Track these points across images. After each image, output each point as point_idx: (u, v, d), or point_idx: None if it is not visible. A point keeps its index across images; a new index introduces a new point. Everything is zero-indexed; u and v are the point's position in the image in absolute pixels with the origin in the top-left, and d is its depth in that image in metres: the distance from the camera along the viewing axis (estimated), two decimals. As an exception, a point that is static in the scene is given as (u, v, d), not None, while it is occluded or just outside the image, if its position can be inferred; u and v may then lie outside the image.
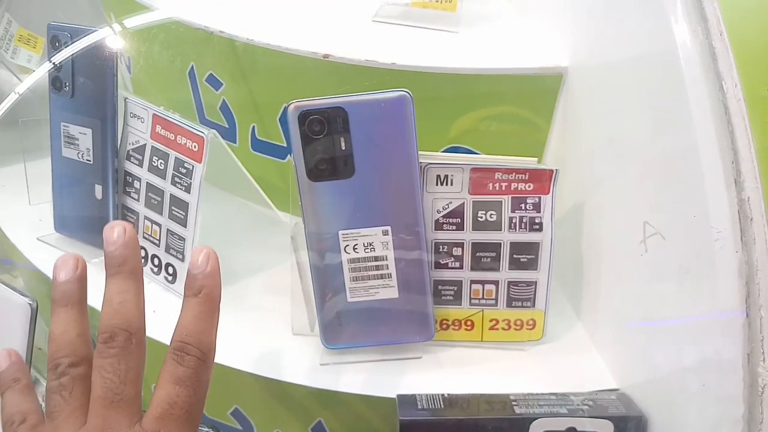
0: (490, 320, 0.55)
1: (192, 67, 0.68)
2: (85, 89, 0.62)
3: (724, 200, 0.39)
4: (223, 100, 0.67)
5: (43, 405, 0.38)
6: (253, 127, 0.67)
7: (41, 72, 0.66)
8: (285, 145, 0.66)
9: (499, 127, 0.60)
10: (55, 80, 0.63)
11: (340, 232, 0.51)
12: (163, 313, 0.59)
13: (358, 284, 0.52)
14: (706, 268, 0.40)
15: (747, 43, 0.39)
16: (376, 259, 0.52)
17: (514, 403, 0.50)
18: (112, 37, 0.62)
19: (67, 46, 0.62)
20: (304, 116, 0.49)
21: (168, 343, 0.56)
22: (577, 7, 0.57)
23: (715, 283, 0.40)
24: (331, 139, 0.49)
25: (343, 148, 0.50)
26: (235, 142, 0.69)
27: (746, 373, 0.39)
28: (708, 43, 0.40)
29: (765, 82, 0.39)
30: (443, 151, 0.61)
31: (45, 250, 0.66)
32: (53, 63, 0.62)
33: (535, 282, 0.53)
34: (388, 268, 0.52)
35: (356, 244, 0.51)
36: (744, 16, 0.40)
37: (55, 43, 0.63)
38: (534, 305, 0.54)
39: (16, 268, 0.75)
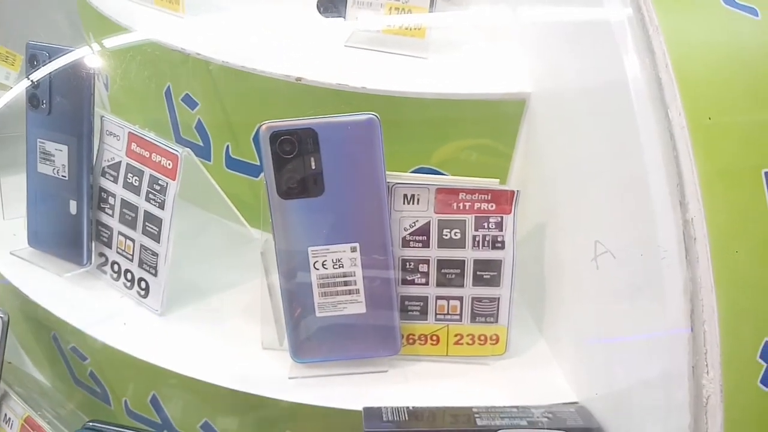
0: (455, 335, 0.56)
1: (168, 87, 0.70)
2: (62, 107, 0.63)
3: (670, 221, 0.41)
4: (199, 119, 0.69)
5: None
6: (228, 146, 0.69)
7: (19, 89, 0.67)
8: (258, 163, 0.68)
9: (465, 150, 0.62)
10: (33, 98, 0.64)
11: (310, 249, 0.53)
12: (134, 327, 0.60)
13: (327, 300, 0.54)
14: (654, 285, 0.43)
15: (690, 74, 0.42)
16: (345, 275, 0.53)
17: (476, 415, 0.52)
18: (89, 57, 0.64)
19: (45, 64, 0.64)
20: (276, 136, 0.51)
21: (139, 356, 0.57)
22: (540, 36, 0.60)
23: (663, 301, 0.42)
24: (302, 159, 0.51)
25: (313, 167, 0.51)
26: (209, 160, 0.70)
27: (691, 384, 0.41)
28: (655, 74, 0.43)
29: (707, 111, 0.41)
30: (411, 172, 0.63)
31: (18, 265, 0.66)
32: (31, 81, 0.63)
33: (498, 298, 0.55)
34: (356, 284, 0.53)
35: (325, 261, 0.53)
36: (687, 50, 0.43)
37: (33, 62, 0.64)
38: (497, 321, 0.56)
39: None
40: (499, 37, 0.68)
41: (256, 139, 0.66)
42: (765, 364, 0.40)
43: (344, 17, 0.67)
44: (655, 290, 0.43)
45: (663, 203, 0.41)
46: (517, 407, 0.53)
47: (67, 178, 0.63)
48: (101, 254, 0.64)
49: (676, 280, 0.41)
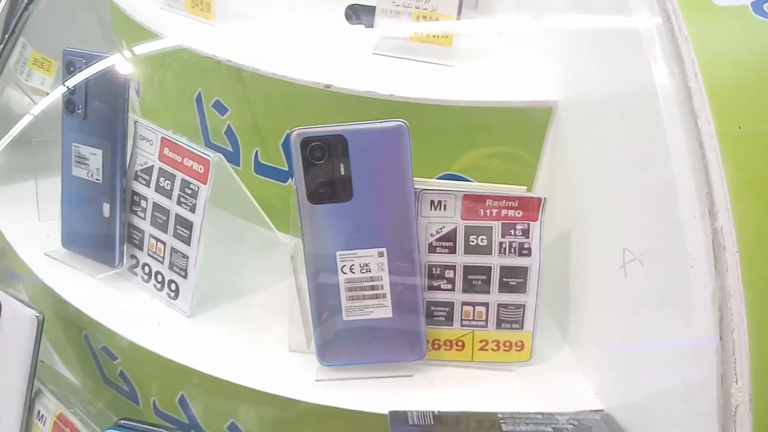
0: (480, 341, 0.57)
1: (199, 93, 0.71)
2: (97, 112, 0.65)
3: (699, 230, 0.41)
4: (228, 125, 0.70)
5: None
6: (257, 151, 0.70)
7: (56, 95, 0.69)
8: (286, 169, 0.69)
9: (492, 157, 0.62)
10: (69, 103, 0.66)
11: (338, 253, 0.54)
12: (164, 328, 0.61)
13: (354, 303, 0.54)
14: (682, 294, 0.43)
15: (719, 83, 0.42)
16: (372, 279, 0.54)
17: (501, 421, 0.52)
18: (124, 63, 0.66)
19: (81, 70, 0.65)
20: (306, 142, 0.52)
21: (169, 356, 0.58)
22: (567, 44, 0.61)
23: (690, 309, 0.42)
24: (331, 165, 0.52)
25: (342, 173, 0.52)
26: (238, 165, 0.71)
27: (720, 393, 0.41)
28: (684, 83, 0.43)
29: (736, 120, 0.41)
30: (437, 179, 0.64)
31: (52, 265, 0.68)
32: (67, 87, 0.65)
33: (524, 305, 0.56)
34: (382, 289, 0.54)
35: (353, 265, 0.54)
36: (716, 59, 0.43)
37: (70, 68, 0.66)
38: (522, 327, 0.56)
39: (22, 282, 0.77)
40: (525, 45, 0.68)
41: (285, 145, 0.67)
42: (795, 374, 0.40)
43: (372, 25, 0.68)
44: (683, 299, 0.43)
45: (692, 212, 0.42)
46: (542, 414, 0.53)
47: (100, 182, 0.65)
48: (133, 256, 0.66)
49: (704, 289, 0.41)
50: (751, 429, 0.40)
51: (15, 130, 0.77)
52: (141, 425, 0.55)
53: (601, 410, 0.54)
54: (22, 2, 0.74)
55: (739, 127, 0.41)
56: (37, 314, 0.60)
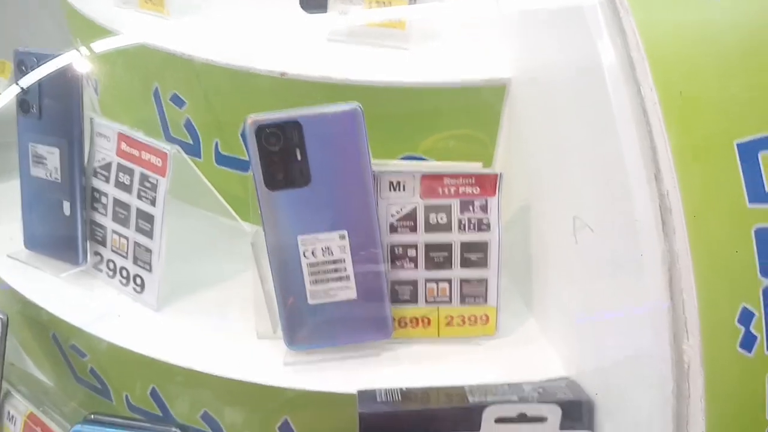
0: (446, 317, 0.58)
1: (156, 87, 0.71)
2: (52, 111, 0.64)
3: (646, 194, 0.42)
4: (187, 117, 0.70)
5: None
6: (216, 142, 0.70)
7: (9, 96, 0.68)
8: (247, 158, 0.69)
9: (450, 136, 0.63)
10: (23, 103, 0.65)
11: (299, 238, 0.54)
12: (131, 322, 0.61)
13: (318, 287, 0.55)
14: (633, 258, 0.44)
15: (660, 52, 0.43)
16: (335, 262, 0.55)
17: (469, 393, 0.53)
18: (77, 61, 0.65)
19: (33, 70, 0.65)
20: (261, 129, 0.52)
21: (138, 350, 0.58)
22: (520, 23, 0.61)
23: (642, 272, 0.43)
24: (288, 151, 0.52)
25: (299, 158, 0.53)
26: (199, 157, 0.71)
27: (673, 352, 0.42)
28: (626, 54, 0.44)
29: (677, 86, 0.43)
30: (398, 159, 0.64)
31: (15, 267, 0.67)
32: (21, 87, 0.64)
33: (486, 279, 0.57)
34: (346, 271, 0.55)
35: (314, 249, 0.54)
36: (657, 29, 0.44)
37: (21, 68, 0.65)
38: (486, 301, 0.57)
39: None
40: (479, 25, 0.69)
41: (243, 134, 0.67)
42: (743, 329, 0.41)
43: (326, 11, 0.69)
44: (634, 263, 0.44)
45: (638, 177, 0.43)
46: (508, 384, 0.54)
47: (59, 180, 0.65)
48: (96, 253, 0.66)
49: (654, 252, 0.42)
50: (704, 384, 0.41)
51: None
52: (110, 418, 0.55)
53: (567, 377, 0.55)
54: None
55: (681, 93, 0.42)
56: (1, 316, 0.59)
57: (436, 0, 0.76)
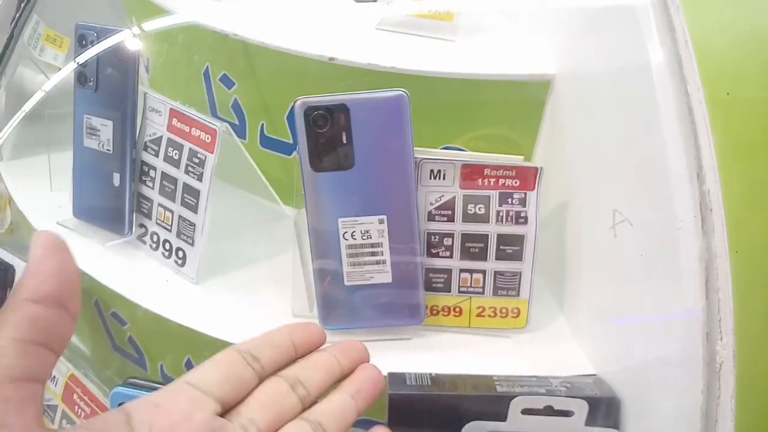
0: (478, 307, 0.58)
1: (207, 67, 0.73)
2: (108, 84, 0.66)
3: (687, 192, 0.43)
4: (235, 98, 0.72)
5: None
6: (262, 124, 0.71)
7: (68, 69, 0.70)
8: (291, 142, 0.70)
9: (492, 129, 0.64)
10: (81, 75, 0.68)
11: (340, 220, 0.55)
12: (171, 293, 0.63)
13: (355, 269, 0.56)
14: (670, 255, 0.44)
15: (709, 51, 0.43)
16: (372, 246, 0.56)
17: (497, 383, 0.53)
18: (134, 37, 0.67)
19: (93, 44, 0.67)
20: (310, 111, 0.53)
21: (176, 320, 0.60)
22: (566, 20, 0.62)
23: (678, 270, 0.44)
24: (334, 133, 0.54)
25: (344, 141, 0.54)
26: (245, 139, 0.73)
27: (705, 351, 0.42)
28: (675, 52, 0.44)
29: (724, 86, 0.43)
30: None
31: (63, 234, 0.70)
32: (77, 63, 0.67)
33: (520, 273, 0.57)
34: (382, 255, 0.56)
35: (354, 231, 0.55)
36: (707, 28, 0.44)
37: (82, 41, 0.67)
38: (519, 294, 0.58)
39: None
40: (526, 21, 0.69)
41: (290, 117, 0.69)
42: (777, 331, 0.41)
43: (375, 1, 0.70)
44: (672, 260, 0.44)
45: (680, 175, 0.43)
46: (536, 377, 0.54)
47: (111, 152, 0.67)
48: (141, 225, 0.68)
49: (691, 250, 0.42)
50: (735, 385, 0.41)
51: (28, 106, 0.79)
52: (148, 383, 0.57)
53: (594, 375, 0.55)
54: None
55: (728, 94, 0.43)
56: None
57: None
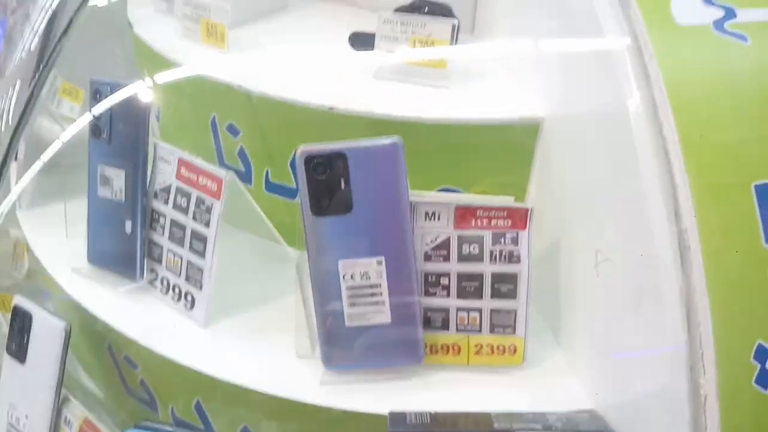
0: (475, 345, 0.60)
1: (214, 116, 0.76)
2: (121, 136, 0.70)
3: (666, 231, 0.45)
4: (241, 146, 0.75)
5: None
6: (267, 170, 0.74)
7: (83, 121, 0.74)
8: (295, 187, 0.73)
9: (485, 171, 0.66)
10: (95, 128, 0.71)
11: (340, 262, 0.58)
12: (180, 337, 0.65)
13: (355, 310, 0.58)
14: (653, 293, 0.46)
15: (682, 95, 0.45)
16: (371, 286, 0.58)
17: (495, 420, 0.55)
18: (145, 91, 0.71)
19: (107, 97, 0.71)
20: (310, 159, 0.56)
21: (185, 363, 0.62)
22: (552, 65, 0.64)
23: (661, 306, 0.45)
24: (333, 179, 0.56)
25: (343, 187, 0.56)
26: (251, 184, 0.76)
27: (689, 385, 0.44)
28: (650, 96, 0.47)
29: (698, 129, 0.45)
30: (434, 192, 0.67)
31: (78, 281, 0.73)
32: (93, 114, 0.71)
33: (515, 310, 0.59)
34: (381, 295, 0.58)
35: (353, 273, 0.58)
36: (679, 73, 0.46)
37: (96, 95, 0.71)
38: (515, 332, 0.59)
39: (50, 297, 0.81)
40: (516, 66, 0.72)
41: (293, 164, 0.72)
42: (759, 365, 0.43)
43: (372, 49, 0.73)
44: (654, 297, 0.46)
45: (659, 215, 0.45)
46: (533, 413, 0.56)
47: (123, 201, 0.70)
48: (152, 270, 0.70)
49: (672, 287, 0.44)
50: (719, 417, 0.43)
51: (46, 156, 0.83)
52: (160, 426, 0.59)
53: (591, 410, 0.57)
54: (54, 37, 0.80)
55: (701, 136, 0.45)
56: (64, 325, 0.64)
57: (476, 42, 0.80)
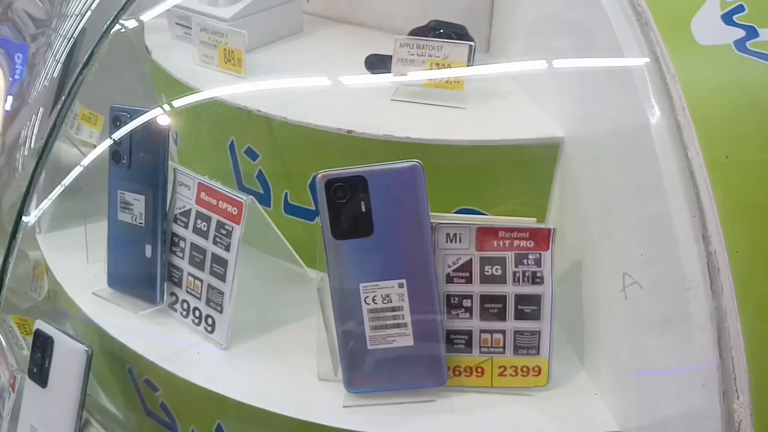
0: (499, 367, 0.60)
1: (232, 140, 0.77)
2: (141, 161, 0.71)
3: (694, 254, 0.44)
4: (260, 169, 0.75)
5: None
6: (286, 193, 0.75)
7: (103, 146, 0.75)
8: (314, 208, 0.73)
9: (505, 192, 0.66)
10: (115, 154, 0.72)
11: (361, 285, 0.58)
12: (201, 360, 0.65)
13: (377, 333, 0.58)
14: (682, 316, 0.45)
15: (706, 117, 0.45)
16: (393, 309, 0.58)
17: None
18: (164, 116, 0.72)
19: (126, 124, 0.72)
20: (330, 184, 0.56)
21: (206, 386, 0.62)
22: (572, 86, 0.65)
23: (691, 330, 0.45)
24: (353, 203, 0.57)
25: (363, 210, 0.56)
26: (270, 207, 0.76)
27: (723, 410, 0.43)
28: (673, 118, 0.46)
29: (723, 150, 0.45)
30: (454, 212, 0.67)
31: (99, 304, 0.73)
32: (114, 140, 0.71)
33: (539, 331, 0.58)
34: (403, 318, 0.58)
35: (375, 296, 0.58)
36: (702, 94, 0.46)
37: (116, 122, 0.72)
38: (539, 353, 0.59)
39: (71, 320, 0.82)
40: (534, 86, 0.72)
41: (312, 187, 0.72)
42: (792, 388, 0.42)
43: (389, 72, 0.73)
44: (684, 320, 0.45)
45: (687, 237, 0.45)
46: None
47: (143, 225, 0.70)
48: (172, 294, 0.71)
49: (702, 310, 0.44)
50: (754, 442, 0.42)
51: (67, 180, 0.83)
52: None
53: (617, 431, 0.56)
54: (75, 66, 0.81)
55: (727, 157, 0.45)
56: (86, 349, 0.64)
57: (492, 61, 0.80)
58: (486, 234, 0.58)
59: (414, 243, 0.57)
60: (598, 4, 0.56)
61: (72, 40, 0.91)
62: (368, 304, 0.58)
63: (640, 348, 0.53)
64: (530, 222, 0.58)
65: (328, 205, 0.57)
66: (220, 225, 0.65)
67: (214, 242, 0.66)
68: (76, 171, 0.82)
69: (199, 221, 0.67)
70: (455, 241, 0.58)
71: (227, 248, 0.65)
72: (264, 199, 0.76)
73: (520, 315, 0.58)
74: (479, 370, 0.60)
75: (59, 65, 0.91)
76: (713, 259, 0.44)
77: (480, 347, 0.59)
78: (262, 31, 0.88)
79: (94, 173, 0.77)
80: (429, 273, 0.57)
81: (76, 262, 0.80)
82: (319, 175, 0.57)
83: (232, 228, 0.64)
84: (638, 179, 0.50)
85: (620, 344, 0.56)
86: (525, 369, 0.59)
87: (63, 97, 0.77)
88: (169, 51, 0.90)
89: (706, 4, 0.50)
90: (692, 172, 0.45)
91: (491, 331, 0.59)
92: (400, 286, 0.57)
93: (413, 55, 0.70)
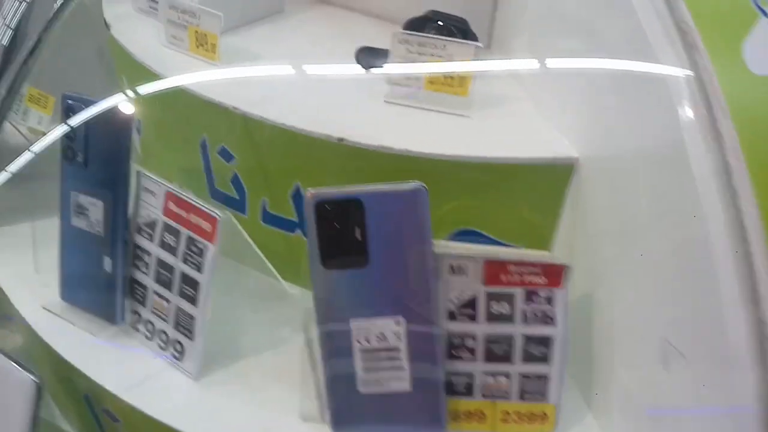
0: (502, 412, 0.54)
1: (204, 138, 0.68)
2: (98, 161, 0.62)
3: (742, 319, 0.39)
4: (235, 173, 0.67)
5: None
6: (264, 201, 0.67)
7: (54, 136, 0.65)
8: (295, 219, 0.66)
9: (511, 213, 0.60)
10: (68, 150, 0.63)
11: (352, 322, 0.51)
12: (168, 391, 0.58)
13: (370, 375, 0.52)
14: (723, 385, 0.41)
15: (761, 159, 0.40)
16: (389, 350, 0.52)
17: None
18: (125, 106, 0.63)
19: (81, 117, 0.63)
20: (321, 205, 0.49)
21: (174, 425, 0.55)
22: (587, 91, 0.58)
23: (733, 404, 0.40)
24: (347, 229, 0.50)
25: (358, 237, 0.50)
26: (244, 214, 0.69)
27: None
28: (722, 159, 0.41)
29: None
30: (454, 233, 0.61)
31: (50, 320, 0.65)
32: (68, 136, 0.62)
33: (548, 376, 0.53)
34: (400, 360, 0.52)
35: (368, 335, 0.51)
36: (758, 134, 0.41)
37: (68, 113, 0.63)
38: (546, 399, 0.54)
39: (16, 324, 0.73)
40: (543, 94, 0.66)
41: (296, 196, 0.64)
42: None
43: (383, 68, 0.66)
44: (724, 390, 0.40)
45: (732, 298, 0.39)
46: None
47: (102, 235, 0.62)
48: (135, 312, 0.63)
49: (749, 382, 0.39)
50: None
51: (13, 167, 0.74)
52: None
53: (627, 485, 0.52)
54: (17, 56, 0.72)
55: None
56: (35, 379, 0.57)
57: (494, 58, 0.73)
58: (494, 267, 0.52)
59: (414, 276, 0.51)
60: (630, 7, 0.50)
61: (25, 3, 0.81)
62: (360, 343, 0.51)
63: (664, 391, 0.48)
64: (542, 255, 0.52)
65: (318, 229, 0.50)
66: (190, 241, 0.58)
67: (184, 260, 0.58)
68: (25, 157, 0.72)
69: (166, 235, 0.60)
70: (459, 274, 0.52)
71: (199, 268, 0.57)
72: (239, 205, 0.69)
73: (528, 357, 0.53)
74: (480, 415, 0.54)
75: (9, 31, 0.81)
76: (765, 328, 0.39)
77: (482, 391, 0.54)
78: (238, 11, 0.79)
79: (47, 159, 0.68)
80: (430, 310, 0.51)
81: (23, 267, 0.71)
82: (309, 194, 0.50)
83: (205, 246, 0.57)
84: (668, 204, 0.45)
85: (638, 387, 0.51)
86: (530, 415, 0.54)
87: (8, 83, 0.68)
88: (133, 26, 0.80)
89: (760, 23, 0.44)
90: (743, 225, 0.40)
91: (495, 374, 0.54)
92: (397, 324, 0.51)
93: (413, 53, 0.62)
